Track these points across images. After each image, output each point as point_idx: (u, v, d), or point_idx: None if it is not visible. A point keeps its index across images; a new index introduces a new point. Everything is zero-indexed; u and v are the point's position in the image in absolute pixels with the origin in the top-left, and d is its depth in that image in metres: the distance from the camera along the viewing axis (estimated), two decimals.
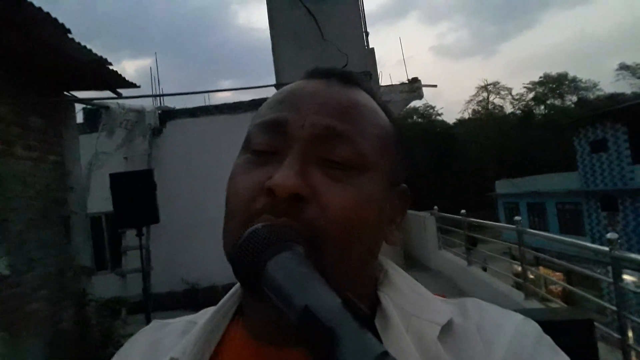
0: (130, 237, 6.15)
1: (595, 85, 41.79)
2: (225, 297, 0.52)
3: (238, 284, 0.51)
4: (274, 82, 4.39)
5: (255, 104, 7.61)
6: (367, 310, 0.32)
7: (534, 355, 0.41)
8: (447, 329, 0.43)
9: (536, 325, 0.45)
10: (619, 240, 3.23)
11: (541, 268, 10.24)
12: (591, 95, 40.95)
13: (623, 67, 39.82)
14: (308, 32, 2.09)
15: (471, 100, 47.71)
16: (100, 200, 5.95)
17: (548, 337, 0.44)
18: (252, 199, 0.42)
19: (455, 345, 0.42)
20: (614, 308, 3.24)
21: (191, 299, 7.27)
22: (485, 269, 7.60)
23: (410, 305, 0.45)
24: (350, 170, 0.43)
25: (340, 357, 0.29)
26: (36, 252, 4.11)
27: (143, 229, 4.76)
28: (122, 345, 0.56)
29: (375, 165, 0.45)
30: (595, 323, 2.51)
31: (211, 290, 6.89)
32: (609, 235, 3.28)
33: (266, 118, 0.46)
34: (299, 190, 0.40)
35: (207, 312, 0.53)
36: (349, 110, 0.46)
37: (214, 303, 0.53)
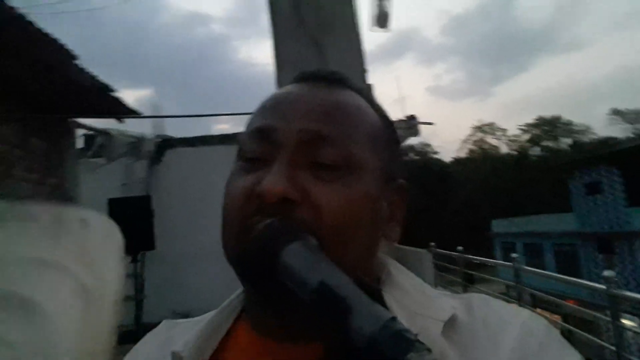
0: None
1: (588, 128, 42.57)
2: (232, 296, 0.53)
3: None
4: None
5: None
6: (376, 285, 0.33)
7: (541, 350, 0.41)
8: (450, 324, 0.43)
9: (544, 321, 0.45)
10: (615, 279, 3.21)
11: (539, 310, 10.07)
12: (585, 139, 41.62)
13: (615, 112, 40.75)
14: (310, 63, 2.14)
15: (467, 139, 48.36)
16: None
17: (557, 332, 0.44)
18: (245, 203, 0.43)
19: (460, 341, 0.42)
20: (613, 348, 3.19)
21: None
22: None
23: (414, 304, 0.45)
24: (339, 171, 0.43)
25: (353, 324, 0.31)
26: None
27: (138, 256, 4.72)
28: None
29: (365, 164, 0.45)
30: None
31: None
32: (605, 273, 3.24)
33: (254, 126, 0.47)
34: (287, 194, 0.41)
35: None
36: (334, 112, 0.46)
37: None
